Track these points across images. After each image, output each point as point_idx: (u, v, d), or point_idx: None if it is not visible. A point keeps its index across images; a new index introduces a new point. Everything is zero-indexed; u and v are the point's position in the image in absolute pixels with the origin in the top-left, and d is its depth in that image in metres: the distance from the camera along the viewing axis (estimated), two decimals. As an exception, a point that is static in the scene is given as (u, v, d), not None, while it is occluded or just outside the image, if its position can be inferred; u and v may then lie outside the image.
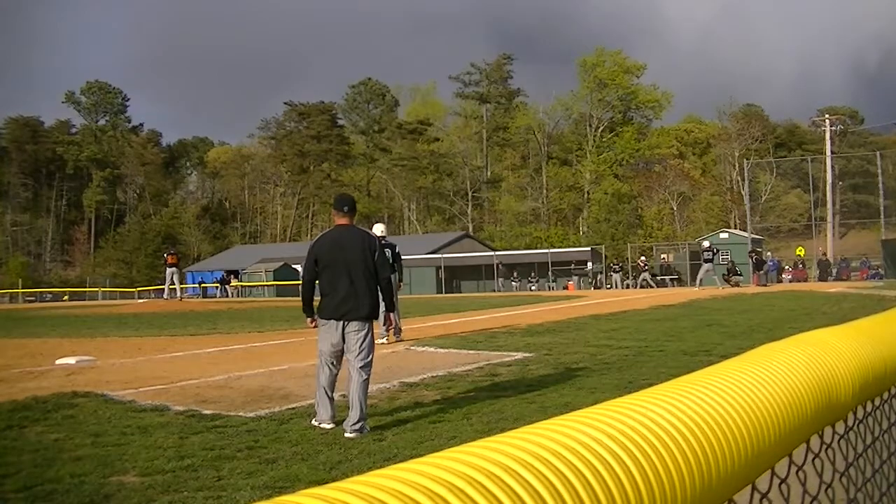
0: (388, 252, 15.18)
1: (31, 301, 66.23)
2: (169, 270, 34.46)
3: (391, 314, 15.11)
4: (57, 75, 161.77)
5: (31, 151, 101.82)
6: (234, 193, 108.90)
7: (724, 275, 37.72)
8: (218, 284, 61.61)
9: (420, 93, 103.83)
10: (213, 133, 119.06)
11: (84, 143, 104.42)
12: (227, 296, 57.01)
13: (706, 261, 34.85)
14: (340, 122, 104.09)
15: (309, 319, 7.75)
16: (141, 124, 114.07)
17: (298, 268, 54.84)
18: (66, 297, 67.13)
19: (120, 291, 68.17)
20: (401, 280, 16.55)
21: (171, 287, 34.97)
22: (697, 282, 35.56)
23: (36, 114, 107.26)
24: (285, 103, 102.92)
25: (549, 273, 56.63)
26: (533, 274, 57.44)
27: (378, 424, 7.31)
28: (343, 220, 7.54)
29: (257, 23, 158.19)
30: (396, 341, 14.77)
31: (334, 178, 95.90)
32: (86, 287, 75.00)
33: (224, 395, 8.81)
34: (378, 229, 16.00)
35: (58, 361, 11.95)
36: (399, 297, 15.91)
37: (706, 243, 37.88)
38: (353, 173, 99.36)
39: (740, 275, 38.23)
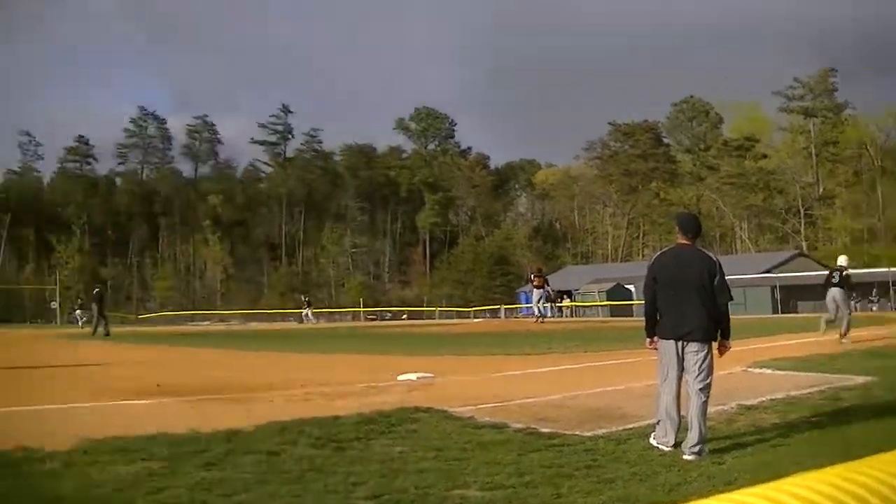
0: (838, 275, 18.70)
1: (371, 319, 69.83)
2: (537, 292, 34.40)
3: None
4: (387, 104, 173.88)
5: (365, 177, 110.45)
6: (564, 214, 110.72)
7: None
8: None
9: (743, 109, 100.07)
10: (538, 155, 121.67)
11: (415, 167, 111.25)
12: (562, 315, 57.55)
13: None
14: (665, 140, 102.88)
15: (648, 340, 7.64)
16: (469, 148, 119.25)
17: (631, 287, 54.40)
18: (404, 316, 70.11)
19: (456, 311, 70.03)
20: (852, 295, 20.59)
21: (537, 306, 34.45)
22: None
23: (369, 141, 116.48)
24: (609, 123, 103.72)
25: (892, 293, 51.71)
26: (874, 292, 52.84)
27: (717, 448, 6.96)
28: (685, 241, 7.39)
29: (579, 42, 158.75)
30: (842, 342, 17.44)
31: (663, 198, 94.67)
32: (423, 306, 78.07)
33: (561, 414, 8.77)
34: (841, 260, 19.36)
35: (399, 377, 12.42)
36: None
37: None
38: (681, 192, 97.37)
39: None
